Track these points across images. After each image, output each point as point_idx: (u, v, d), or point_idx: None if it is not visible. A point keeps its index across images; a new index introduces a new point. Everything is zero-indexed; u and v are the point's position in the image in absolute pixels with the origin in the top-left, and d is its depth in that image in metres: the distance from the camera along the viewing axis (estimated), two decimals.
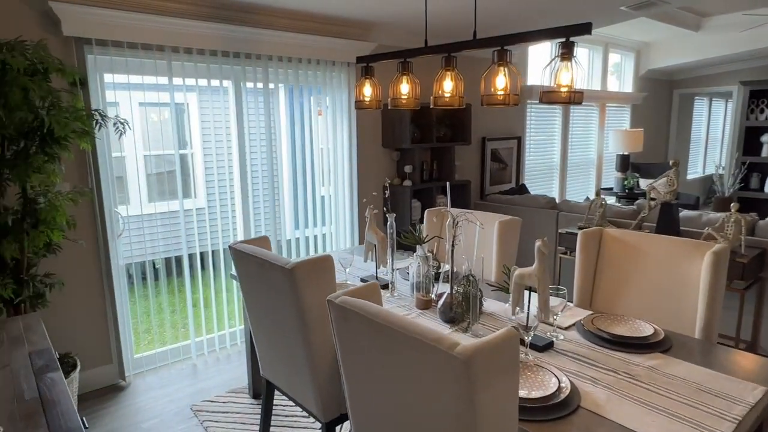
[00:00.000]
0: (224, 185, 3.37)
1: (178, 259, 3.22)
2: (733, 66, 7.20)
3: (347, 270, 2.41)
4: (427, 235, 2.13)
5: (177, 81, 2.97)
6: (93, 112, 2.24)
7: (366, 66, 2.27)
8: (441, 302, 1.95)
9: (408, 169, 4.08)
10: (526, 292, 1.78)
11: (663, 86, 7.80)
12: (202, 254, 3.43)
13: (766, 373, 1.49)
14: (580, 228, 3.72)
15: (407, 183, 4.08)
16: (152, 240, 3.13)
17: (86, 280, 2.82)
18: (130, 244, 2.98)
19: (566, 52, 1.55)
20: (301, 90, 3.55)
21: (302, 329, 1.79)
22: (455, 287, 1.92)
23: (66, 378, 2.46)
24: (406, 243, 2.09)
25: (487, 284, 2.17)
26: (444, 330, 1.87)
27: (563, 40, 1.55)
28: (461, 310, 1.89)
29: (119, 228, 2.95)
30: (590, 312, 1.99)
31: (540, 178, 5.96)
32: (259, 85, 3.33)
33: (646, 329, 1.79)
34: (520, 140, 5.43)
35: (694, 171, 8.84)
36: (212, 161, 3.29)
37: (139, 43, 2.78)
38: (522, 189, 5.02)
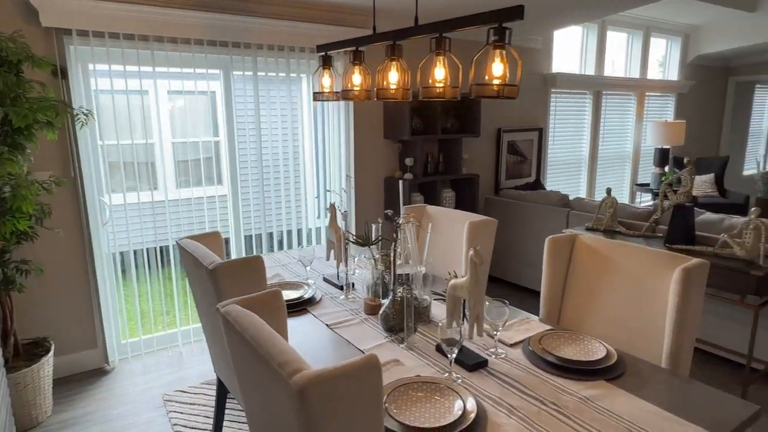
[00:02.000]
0: (210, 174, 3.37)
1: (166, 249, 3.25)
2: None
3: (308, 268, 2.33)
4: (380, 236, 2.00)
5: (161, 69, 2.97)
6: (54, 102, 2.25)
7: (324, 55, 2.15)
8: (382, 309, 1.83)
9: (409, 161, 3.92)
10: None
11: (716, 74, 7.14)
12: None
13: (725, 415, 1.28)
14: (587, 229, 3.45)
15: (408, 176, 3.93)
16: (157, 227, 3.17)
17: (69, 267, 2.89)
18: (114, 233, 3.03)
19: (498, 40, 1.37)
20: (291, 79, 3.47)
21: None
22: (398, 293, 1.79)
23: (39, 361, 2.54)
24: (355, 244, 1.97)
25: (432, 292, 2.02)
26: (381, 340, 1.75)
27: (496, 26, 1.37)
28: (400, 318, 1.77)
29: (105, 216, 3.00)
30: (549, 328, 1.80)
31: (565, 172, 5.61)
32: (248, 73, 3.27)
33: (597, 351, 1.59)
34: (541, 131, 5.12)
35: (751, 167, 8.07)
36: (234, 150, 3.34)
37: (121, 33, 2.78)
38: (536, 184, 4.74)
